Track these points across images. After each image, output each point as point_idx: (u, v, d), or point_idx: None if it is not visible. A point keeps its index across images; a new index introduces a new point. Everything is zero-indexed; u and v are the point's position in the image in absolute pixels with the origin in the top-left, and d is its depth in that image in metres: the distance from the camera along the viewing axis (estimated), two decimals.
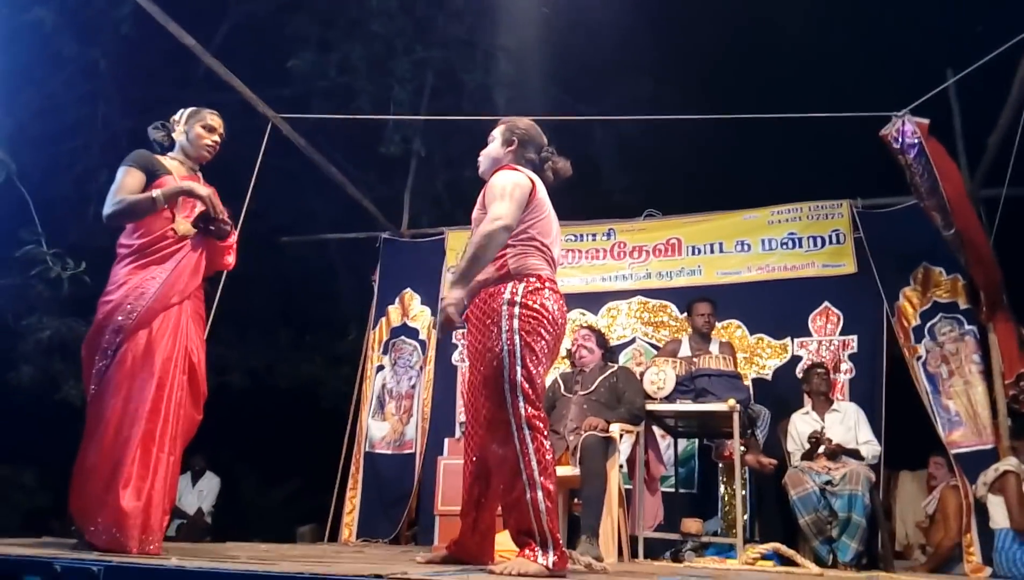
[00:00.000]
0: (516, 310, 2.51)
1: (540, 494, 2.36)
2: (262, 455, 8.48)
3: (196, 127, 3.00)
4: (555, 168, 2.85)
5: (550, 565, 2.31)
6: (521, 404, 2.43)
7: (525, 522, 2.37)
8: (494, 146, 2.86)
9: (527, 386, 2.45)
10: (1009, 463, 4.33)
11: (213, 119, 3.04)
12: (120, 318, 2.73)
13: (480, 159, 2.90)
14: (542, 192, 2.73)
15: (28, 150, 5.86)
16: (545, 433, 2.46)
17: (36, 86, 6.39)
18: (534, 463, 2.39)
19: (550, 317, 2.55)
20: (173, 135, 3.03)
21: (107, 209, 2.81)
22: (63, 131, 6.79)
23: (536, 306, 2.53)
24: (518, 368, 2.46)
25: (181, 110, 3.06)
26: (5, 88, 5.66)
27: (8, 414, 6.37)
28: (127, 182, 2.82)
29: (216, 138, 3.04)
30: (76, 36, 6.24)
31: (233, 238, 3.09)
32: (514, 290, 2.55)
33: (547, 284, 2.61)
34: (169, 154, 3.02)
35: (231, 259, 3.09)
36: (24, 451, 7.10)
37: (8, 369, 6.30)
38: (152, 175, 2.87)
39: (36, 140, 6.23)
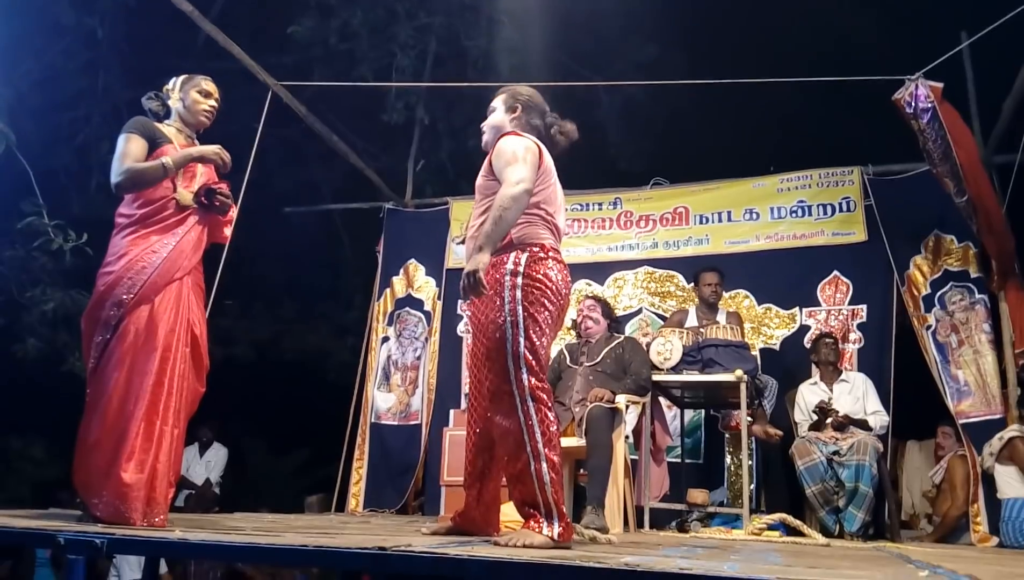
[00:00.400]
0: (519, 280, 2.48)
1: (544, 465, 2.35)
2: (269, 426, 8.54)
3: (192, 93, 2.96)
4: (563, 131, 2.79)
5: (555, 536, 2.30)
6: (524, 375, 2.41)
7: (529, 494, 2.36)
8: (497, 115, 2.79)
9: (530, 357, 2.43)
10: (1013, 430, 4.30)
11: (208, 84, 3.00)
12: (121, 291, 2.70)
13: (484, 129, 2.83)
14: (548, 160, 2.68)
15: (28, 121, 5.81)
16: (549, 404, 2.44)
17: (35, 56, 6.32)
18: (538, 434, 2.37)
19: (553, 287, 2.52)
20: (168, 103, 2.98)
21: (115, 177, 2.76)
22: (63, 101, 6.73)
23: (539, 276, 2.50)
24: (521, 339, 2.43)
25: (173, 78, 3.02)
26: (4, 58, 5.59)
27: (15, 387, 6.40)
28: (131, 149, 2.77)
29: (213, 103, 3.00)
30: (74, 4, 6.16)
31: (233, 212, 3.05)
32: (517, 260, 2.51)
33: (551, 254, 2.56)
34: (166, 122, 2.97)
35: (228, 232, 3.05)
36: (32, 423, 7.16)
37: (13, 342, 6.31)
38: (154, 142, 2.83)
39: (36, 110, 6.18)
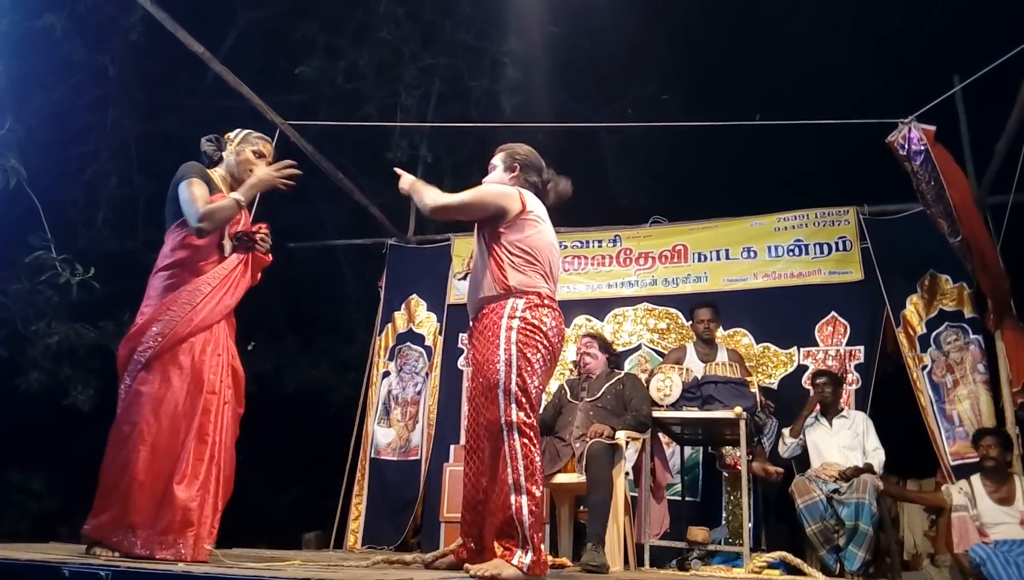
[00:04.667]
0: (515, 323, 2.63)
1: (524, 499, 2.43)
2: (268, 461, 8.48)
3: (247, 150, 3.04)
4: (557, 189, 3.00)
5: (526, 568, 2.36)
6: (514, 409, 2.52)
7: (506, 523, 2.43)
8: (496, 173, 2.98)
9: (520, 394, 2.54)
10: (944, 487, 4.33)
11: (265, 146, 3.09)
12: (155, 332, 2.73)
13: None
14: (537, 210, 2.84)
15: (37, 156, 5.89)
16: (536, 441, 2.53)
17: (45, 92, 6.43)
18: (521, 467, 2.46)
19: (547, 332, 2.66)
20: (223, 153, 3.06)
21: (196, 222, 2.76)
22: (72, 137, 6.83)
23: (535, 321, 2.65)
24: (514, 377, 2.55)
25: (237, 130, 3.11)
26: (15, 94, 5.70)
27: (17, 420, 6.38)
28: (198, 192, 2.81)
29: (265, 164, 3.07)
30: (85, 42, 6.29)
31: (269, 255, 3.08)
32: (514, 306, 2.67)
33: (546, 301, 2.72)
34: (215, 169, 3.04)
35: (259, 275, 3.09)
36: (32, 457, 7.13)
37: (17, 375, 6.32)
38: (210, 186, 2.89)
39: (45, 146, 6.27)
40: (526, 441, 2.49)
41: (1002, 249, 4.69)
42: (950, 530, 4.27)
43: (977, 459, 4.43)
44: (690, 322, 5.20)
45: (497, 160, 2.99)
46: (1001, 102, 4.56)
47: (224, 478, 2.77)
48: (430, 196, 2.83)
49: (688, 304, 5.40)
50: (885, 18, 7.19)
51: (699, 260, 5.75)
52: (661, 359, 5.29)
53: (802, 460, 4.68)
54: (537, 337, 2.63)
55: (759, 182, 7.46)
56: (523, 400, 2.54)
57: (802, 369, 5.26)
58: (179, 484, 2.62)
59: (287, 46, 7.10)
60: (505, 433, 2.50)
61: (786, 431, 4.67)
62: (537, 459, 2.50)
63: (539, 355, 2.62)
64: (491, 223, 2.80)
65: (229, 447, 2.83)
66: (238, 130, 3.12)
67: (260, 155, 3.06)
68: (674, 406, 4.29)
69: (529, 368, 2.58)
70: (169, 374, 2.71)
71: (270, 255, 3.05)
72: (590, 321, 5.83)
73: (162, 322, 2.74)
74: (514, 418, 2.51)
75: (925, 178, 4.41)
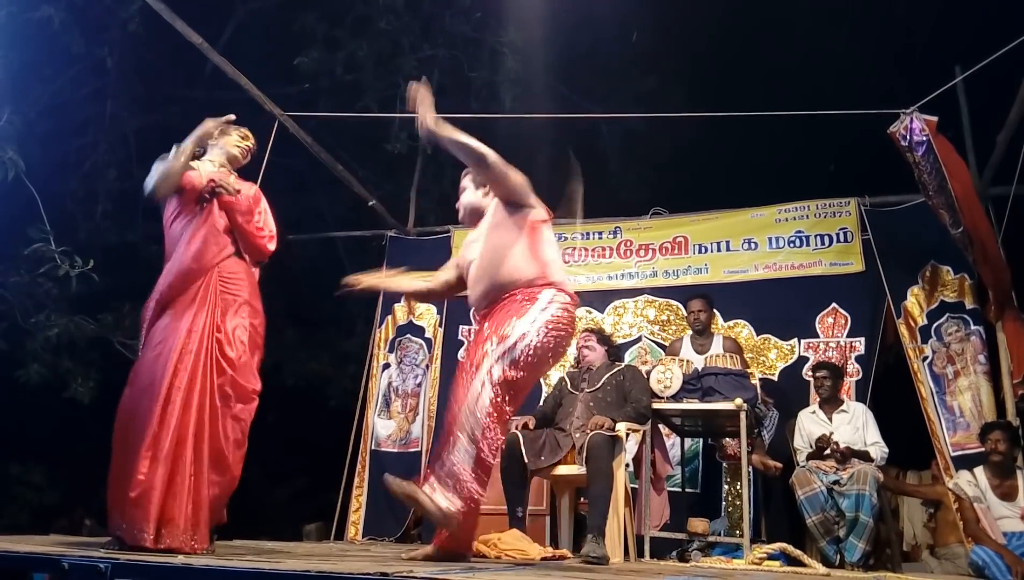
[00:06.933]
0: (550, 308, 2.72)
1: (471, 447, 2.47)
2: (268, 453, 8.48)
3: (230, 130, 3.09)
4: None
5: (444, 508, 2.44)
6: (506, 366, 2.57)
7: (445, 462, 2.50)
8: (468, 195, 3.02)
9: (522, 360, 2.60)
10: (951, 483, 4.32)
11: (246, 132, 3.14)
12: (149, 305, 2.81)
13: (459, 209, 3.06)
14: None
15: (36, 148, 5.88)
16: (508, 407, 2.59)
17: (44, 84, 6.42)
18: (480, 414, 2.50)
19: (567, 337, 2.77)
20: (207, 145, 3.07)
21: (148, 183, 2.82)
22: (71, 129, 6.82)
23: (565, 317, 2.75)
24: (526, 344, 2.61)
25: None
26: (13, 86, 5.68)
27: (16, 412, 6.39)
28: (157, 165, 2.88)
29: (248, 144, 3.12)
30: (84, 34, 6.26)
31: (250, 205, 3.02)
32: (552, 298, 2.76)
33: (574, 310, 2.83)
34: (202, 159, 3.04)
35: (265, 241, 3.10)
36: (32, 449, 7.14)
37: (16, 367, 6.32)
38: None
39: (44, 138, 6.26)
40: (497, 398, 2.53)
41: (1003, 240, 4.69)
42: (966, 521, 4.28)
43: (978, 450, 4.43)
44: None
45: (466, 181, 3.04)
46: (1003, 93, 4.54)
47: (198, 470, 2.67)
48: (474, 141, 2.78)
49: (689, 296, 5.39)
50: (887, 9, 7.17)
51: (699, 252, 5.74)
52: (661, 351, 5.27)
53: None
54: (560, 328, 2.72)
55: (760, 173, 7.45)
56: (521, 363, 2.59)
57: (803, 361, 5.26)
58: (139, 465, 2.53)
59: (286, 37, 7.07)
60: (484, 376, 2.54)
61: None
62: (496, 426, 2.53)
63: (551, 347, 2.69)
64: (520, 210, 2.84)
65: (213, 437, 2.71)
66: None
67: (243, 136, 3.11)
68: (674, 398, 4.29)
69: (540, 351, 2.64)
70: (147, 350, 2.71)
71: (237, 193, 2.95)
72: (590, 313, 5.82)
73: (153, 297, 2.79)
74: (502, 372, 2.55)
75: (927, 169, 4.40)
